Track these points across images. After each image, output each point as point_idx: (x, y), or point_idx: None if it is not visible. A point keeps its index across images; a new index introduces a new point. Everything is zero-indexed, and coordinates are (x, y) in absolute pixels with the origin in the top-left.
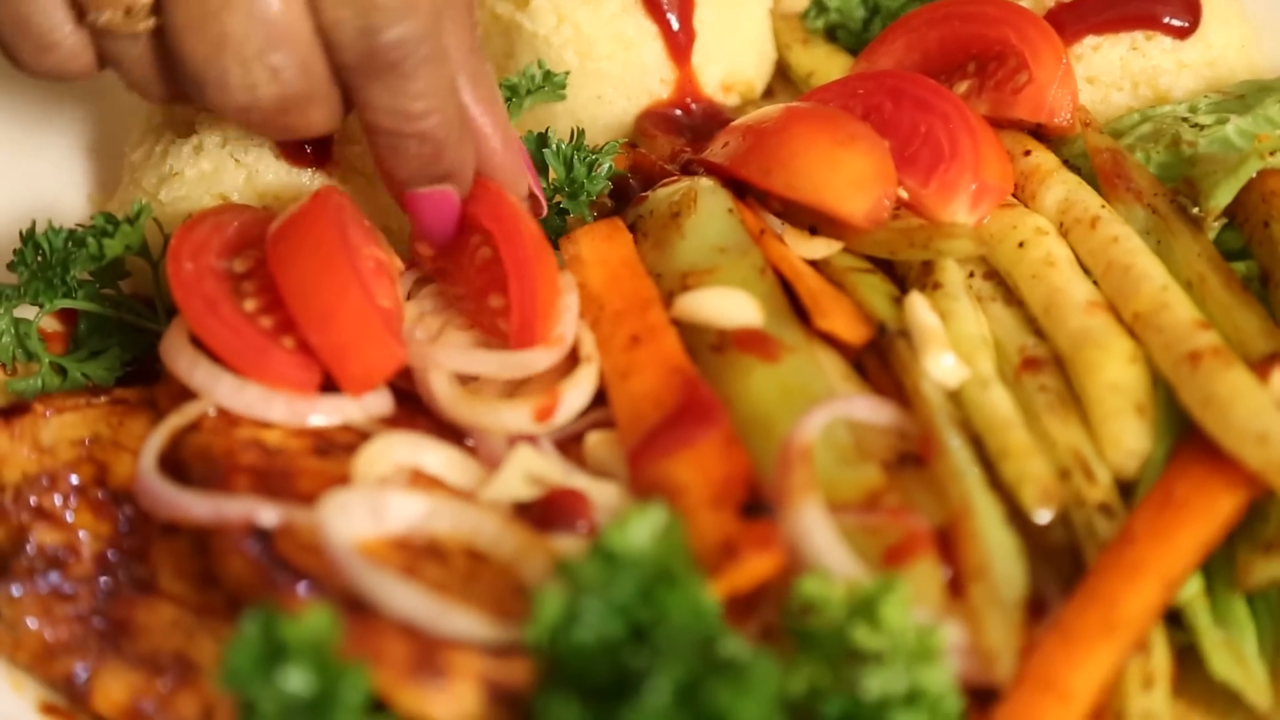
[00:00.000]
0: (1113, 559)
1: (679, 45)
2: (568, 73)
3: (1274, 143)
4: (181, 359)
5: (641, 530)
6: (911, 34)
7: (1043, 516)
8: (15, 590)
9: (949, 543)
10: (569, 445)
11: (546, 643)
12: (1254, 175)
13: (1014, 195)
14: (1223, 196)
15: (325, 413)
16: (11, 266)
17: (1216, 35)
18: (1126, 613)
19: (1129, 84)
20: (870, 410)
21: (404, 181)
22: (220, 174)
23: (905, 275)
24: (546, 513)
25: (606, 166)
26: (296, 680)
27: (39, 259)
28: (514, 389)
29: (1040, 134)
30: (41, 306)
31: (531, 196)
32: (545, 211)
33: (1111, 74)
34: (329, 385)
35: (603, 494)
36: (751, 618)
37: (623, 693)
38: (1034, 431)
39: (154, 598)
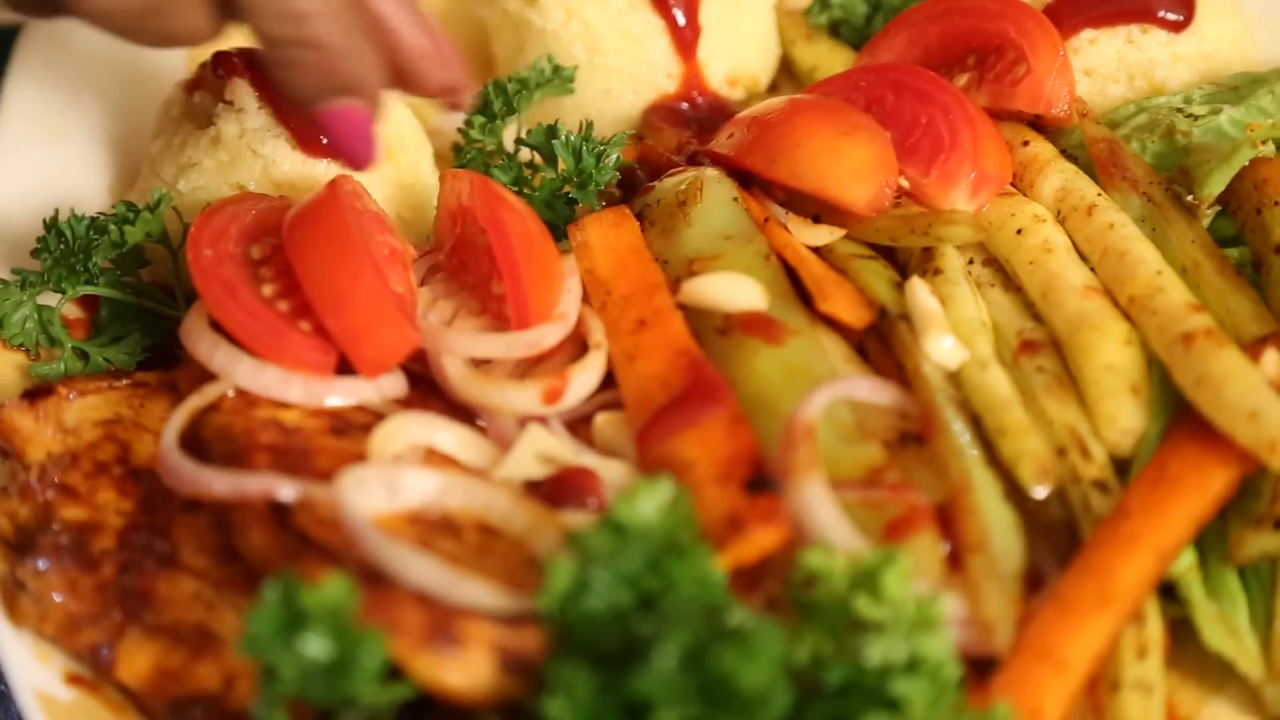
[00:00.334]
0: (1108, 532)
1: (685, 40)
2: (576, 67)
3: (1265, 132)
4: (202, 342)
5: (649, 503)
6: (912, 29)
7: (1040, 492)
8: (41, 564)
9: (948, 518)
10: (578, 426)
11: (557, 611)
12: (1246, 164)
13: (1013, 184)
14: (1216, 184)
15: (341, 394)
16: (35, 253)
17: (1211, 29)
18: (1121, 584)
19: (1125, 76)
20: (872, 391)
21: (304, 99)
22: (237, 164)
23: (906, 262)
24: (557, 490)
25: (614, 157)
26: (315, 646)
27: (62, 246)
28: (525, 372)
29: (1038, 125)
30: (64, 293)
31: (449, 89)
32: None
33: (1108, 66)
34: (345, 368)
35: (612, 472)
36: (757, 590)
37: (631, 659)
38: (1031, 411)
39: (175, 571)
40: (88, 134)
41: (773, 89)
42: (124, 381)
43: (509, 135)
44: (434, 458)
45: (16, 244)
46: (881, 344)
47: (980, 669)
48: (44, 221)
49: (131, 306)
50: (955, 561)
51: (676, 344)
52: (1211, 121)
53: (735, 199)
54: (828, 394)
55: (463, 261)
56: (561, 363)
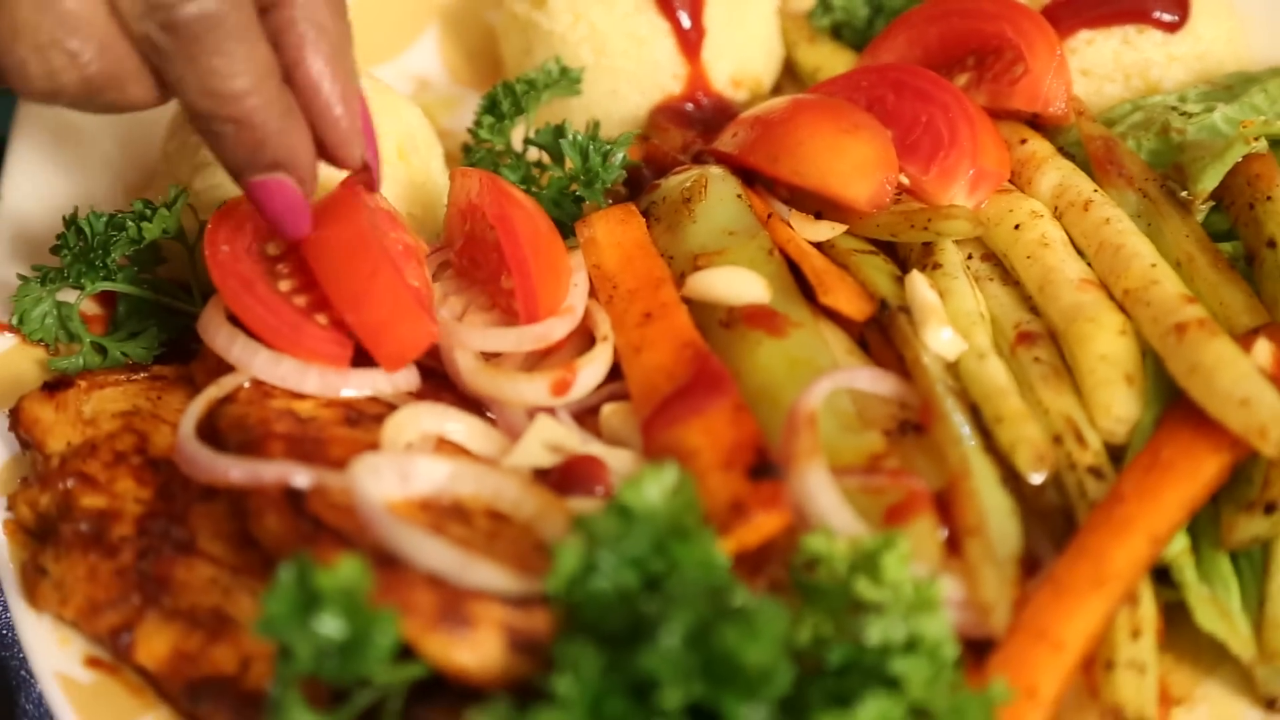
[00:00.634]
0: (1103, 516)
1: (690, 42)
2: (583, 69)
3: (1258, 129)
4: (220, 335)
5: (655, 488)
6: (913, 30)
7: (1036, 478)
8: (62, 550)
9: (947, 504)
10: (585, 417)
11: (565, 592)
12: (1239, 160)
13: (1011, 181)
14: (1210, 180)
15: (356, 385)
16: (55, 250)
17: (1205, 29)
18: (1115, 567)
19: (1121, 76)
20: (872, 381)
21: (234, 170)
22: None
23: (906, 257)
24: (565, 477)
25: (620, 157)
26: (330, 626)
27: (80, 243)
28: (533, 365)
29: (1036, 123)
30: (82, 288)
31: (365, 167)
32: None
33: (1105, 66)
34: (359, 360)
35: (618, 460)
36: (760, 574)
37: (637, 639)
38: (1028, 400)
39: (193, 557)
40: (104, 136)
41: (776, 90)
42: (141, 375)
43: (517, 135)
44: (445, 447)
45: (36, 242)
46: (882, 336)
47: (978, 650)
48: (63, 219)
49: (149, 302)
50: (953, 546)
51: (681, 336)
52: (1205, 119)
53: (739, 196)
54: (829, 384)
55: (473, 258)
56: (569, 355)
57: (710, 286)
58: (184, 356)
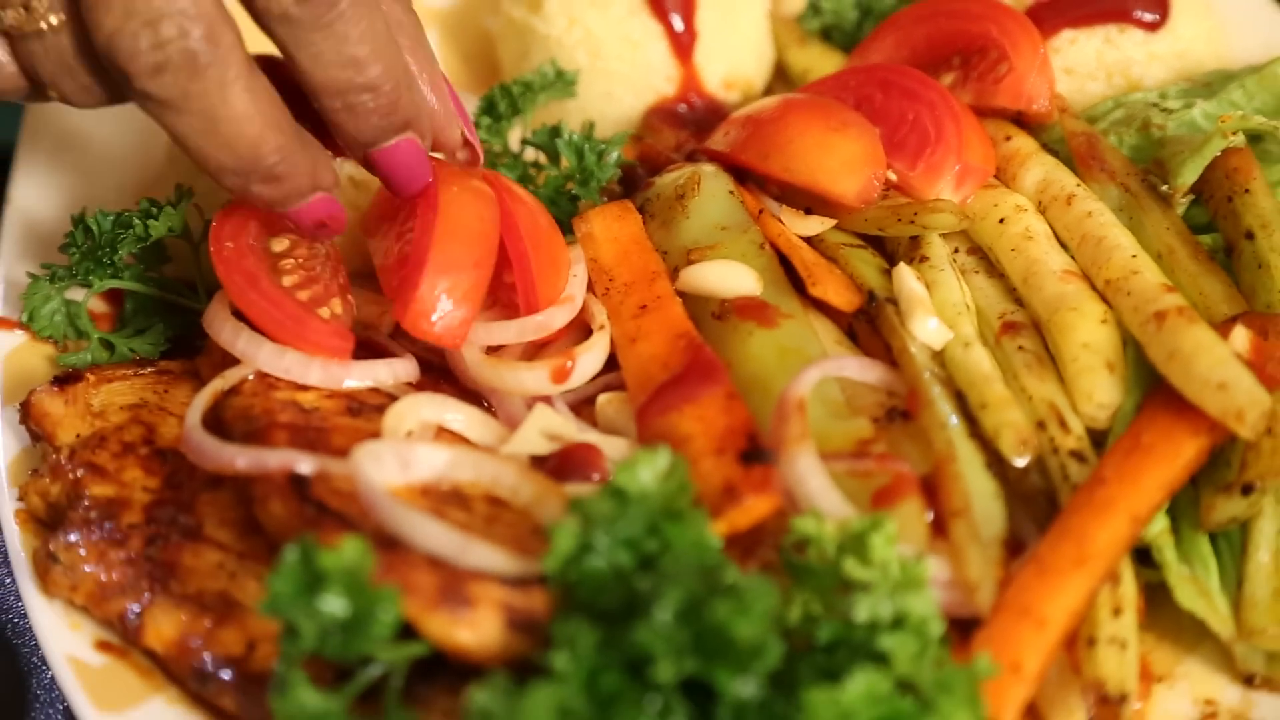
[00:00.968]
0: (1085, 498)
1: (682, 45)
2: (578, 71)
3: (1236, 123)
4: (225, 329)
5: (648, 471)
6: (900, 31)
7: (1020, 462)
8: (72, 537)
9: (933, 488)
10: (582, 408)
11: (562, 572)
12: (1218, 154)
13: (996, 177)
14: (1189, 174)
15: (358, 376)
16: (63, 248)
17: (1185, 28)
18: (1097, 546)
19: (1103, 74)
20: (860, 370)
21: (368, 142)
22: None
23: (894, 251)
24: (562, 464)
25: (615, 155)
26: (334, 604)
27: (88, 241)
28: (533, 358)
29: (1021, 121)
30: (90, 286)
31: (466, 144)
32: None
33: (1087, 65)
34: (359, 353)
35: (614, 448)
36: (752, 556)
37: (632, 616)
38: (1012, 388)
39: (200, 543)
40: (110, 139)
41: (768, 92)
42: (149, 369)
43: (515, 136)
44: (444, 436)
45: (44, 242)
46: (870, 326)
47: (964, 628)
48: (71, 218)
49: (155, 299)
50: (940, 527)
51: (676, 327)
52: (1185, 115)
53: (731, 192)
54: (818, 372)
55: None
56: (568, 346)
57: (703, 279)
58: (189, 353)
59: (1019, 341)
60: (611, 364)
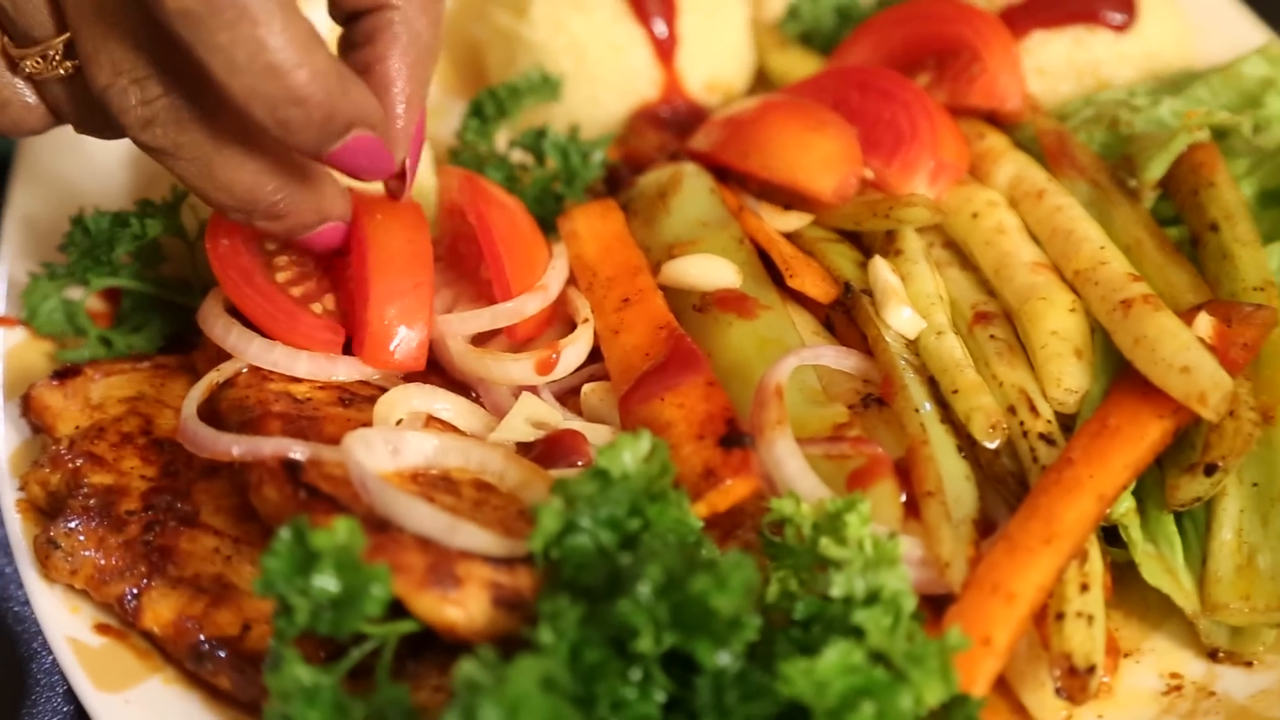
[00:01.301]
0: (1053, 478)
1: (665, 50)
2: (563, 75)
3: (1201, 119)
4: (217, 324)
5: (631, 453)
6: (877, 35)
7: (990, 445)
8: (72, 523)
9: (907, 471)
10: (567, 398)
11: (547, 551)
12: (1185, 150)
13: (970, 174)
14: (1156, 169)
15: (346, 370)
16: (62, 248)
17: (1153, 30)
18: (1065, 525)
19: (1074, 75)
20: (837, 358)
21: (313, 150)
22: None
23: (871, 246)
24: (548, 450)
25: (599, 156)
26: (326, 582)
27: (87, 240)
28: (520, 349)
29: (994, 120)
30: (88, 284)
31: (400, 173)
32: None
33: (1058, 66)
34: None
35: (598, 435)
36: (732, 538)
37: (615, 592)
38: (984, 374)
39: (196, 529)
40: (108, 142)
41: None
42: (145, 363)
43: (502, 138)
44: (434, 425)
45: (45, 243)
46: (846, 317)
47: (937, 607)
48: (70, 219)
49: (151, 298)
50: (913, 508)
51: (657, 319)
52: (1153, 112)
53: (712, 190)
54: (795, 360)
55: (458, 251)
56: (553, 339)
57: (684, 273)
58: (185, 349)
59: (990, 330)
60: (595, 357)
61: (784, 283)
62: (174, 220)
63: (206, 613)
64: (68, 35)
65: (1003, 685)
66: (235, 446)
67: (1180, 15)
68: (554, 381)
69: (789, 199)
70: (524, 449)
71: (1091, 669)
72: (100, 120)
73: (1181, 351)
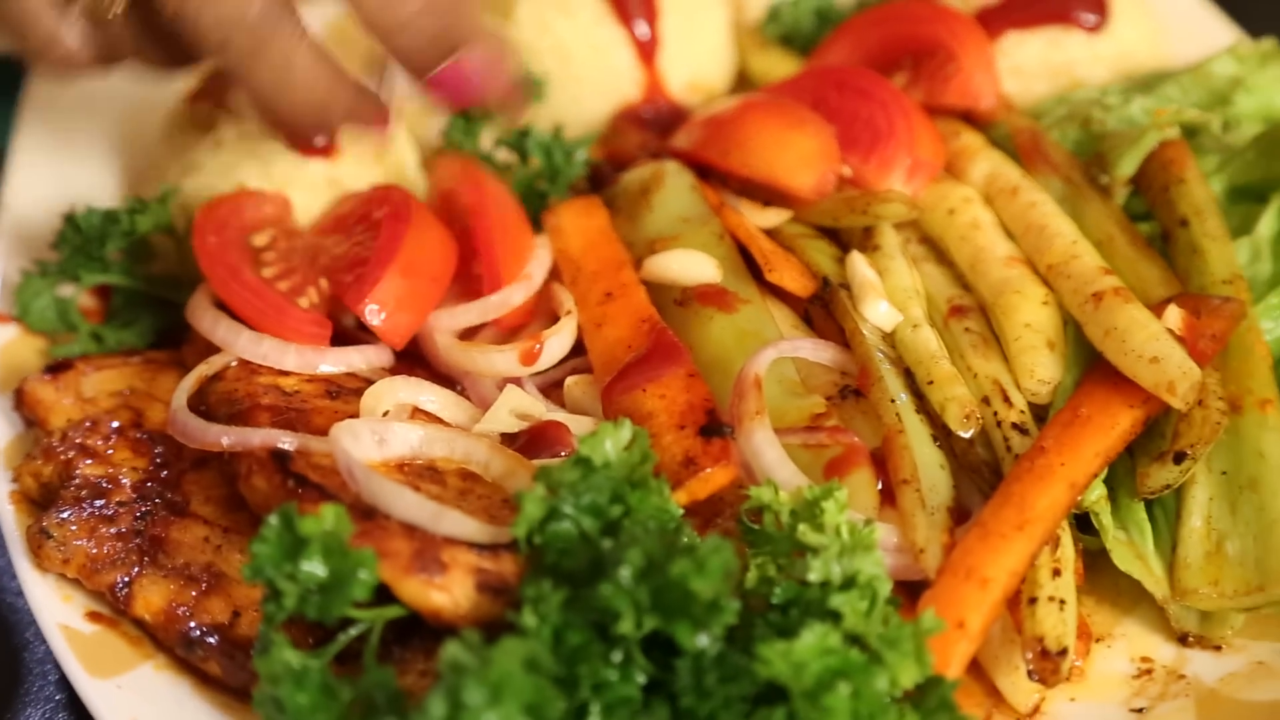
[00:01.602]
0: (1026, 466)
1: (647, 51)
2: (547, 76)
3: (1171, 117)
4: (205, 318)
5: (612, 441)
6: (855, 36)
7: (965, 434)
8: (64, 514)
9: (883, 460)
10: (550, 391)
11: (530, 536)
12: (1155, 147)
13: (946, 171)
14: (1127, 166)
15: (333, 362)
16: (54, 245)
17: (1126, 31)
18: (1037, 511)
19: (1048, 75)
20: (815, 350)
21: (427, 67)
22: (238, 165)
23: (849, 243)
24: (532, 441)
25: (583, 155)
26: (314, 567)
27: (78, 237)
28: (506, 337)
29: (969, 119)
30: (79, 280)
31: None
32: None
33: (1033, 66)
34: (338, 339)
35: (581, 426)
36: (712, 526)
37: (596, 577)
38: (959, 366)
39: (186, 519)
40: (100, 141)
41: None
42: (136, 358)
43: (487, 138)
44: (419, 417)
45: (37, 241)
46: (824, 311)
47: (913, 592)
48: (62, 216)
49: (141, 294)
50: (889, 497)
51: (640, 312)
52: (1124, 110)
53: (693, 187)
54: (774, 352)
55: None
56: (536, 331)
57: (666, 268)
58: (175, 345)
59: (965, 323)
60: (578, 351)
61: (763, 277)
62: (164, 217)
63: (197, 600)
64: None
65: (977, 669)
66: (225, 437)
67: (1152, 16)
68: (538, 374)
69: (768, 196)
70: (508, 440)
71: (1063, 652)
72: (162, 49)
73: (1151, 342)
